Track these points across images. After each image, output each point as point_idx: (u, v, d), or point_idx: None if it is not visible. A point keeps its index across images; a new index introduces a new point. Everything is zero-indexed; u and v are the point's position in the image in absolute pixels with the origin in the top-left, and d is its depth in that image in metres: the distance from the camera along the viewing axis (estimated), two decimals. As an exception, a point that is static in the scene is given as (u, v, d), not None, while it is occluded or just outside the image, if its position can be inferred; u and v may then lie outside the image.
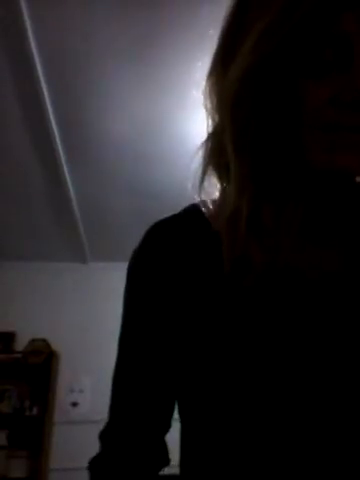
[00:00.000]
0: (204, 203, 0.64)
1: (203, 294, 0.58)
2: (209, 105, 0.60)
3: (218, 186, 0.63)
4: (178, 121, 2.74)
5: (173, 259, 0.62)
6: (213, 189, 0.64)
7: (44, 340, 3.97)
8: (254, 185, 0.57)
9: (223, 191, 0.62)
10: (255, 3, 0.55)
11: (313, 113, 0.52)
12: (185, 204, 0.67)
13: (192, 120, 2.64)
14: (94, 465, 0.64)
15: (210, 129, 0.61)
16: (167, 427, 0.65)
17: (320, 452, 0.52)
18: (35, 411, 3.80)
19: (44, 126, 2.81)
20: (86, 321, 4.09)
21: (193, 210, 0.65)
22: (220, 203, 0.62)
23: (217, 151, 0.60)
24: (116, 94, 2.66)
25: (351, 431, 0.52)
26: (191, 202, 0.66)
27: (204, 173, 0.61)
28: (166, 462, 0.64)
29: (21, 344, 3.98)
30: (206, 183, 0.62)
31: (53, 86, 2.58)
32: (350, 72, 0.50)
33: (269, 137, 0.56)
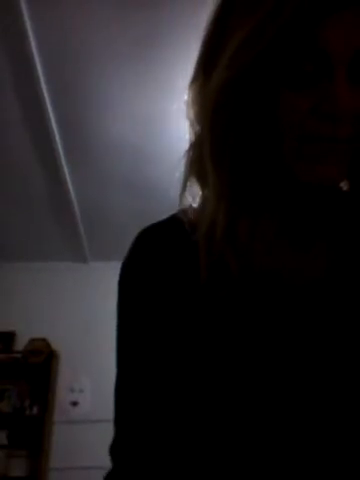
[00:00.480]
0: (185, 212, 0.64)
1: (187, 302, 0.59)
2: (191, 115, 0.61)
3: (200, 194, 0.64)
4: (178, 121, 2.74)
5: (160, 267, 0.62)
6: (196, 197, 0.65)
7: (44, 340, 3.97)
8: (231, 195, 0.58)
9: (204, 200, 0.63)
10: (237, 11, 0.55)
11: (293, 124, 0.53)
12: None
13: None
14: None
15: (192, 139, 0.62)
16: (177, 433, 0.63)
17: (310, 456, 0.53)
18: (35, 411, 3.80)
19: (44, 126, 2.81)
20: (86, 321, 4.09)
21: (178, 216, 0.65)
22: (200, 211, 0.63)
23: (198, 161, 0.61)
24: (116, 94, 2.66)
25: (333, 431, 0.53)
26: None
27: (185, 183, 0.62)
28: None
29: (21, 344, 3.98)
30: (189, 192, 0.63)
31: (53, 86, 2.58)
32: (329, 83, 0.50)
33: (248, 147, 0.57)
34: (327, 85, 0.51)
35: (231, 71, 0.53)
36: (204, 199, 0.63)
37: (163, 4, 2.21)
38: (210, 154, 0.57)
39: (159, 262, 0.63)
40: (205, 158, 0.58)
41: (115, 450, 0.63)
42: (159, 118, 2.77)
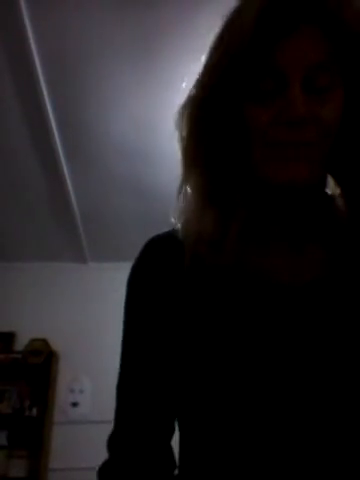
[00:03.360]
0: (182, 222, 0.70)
1: (187, 304, 0.63)
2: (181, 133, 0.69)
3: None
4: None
5: (164, 274, 0.67)
6: None
7: (44, 340, 3.97)
8: (208, 199, 0.65)
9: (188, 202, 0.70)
10: (216, 42, 0.63)
11: (260, 133, 0.60)
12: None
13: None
14: (103, 473, 0.64)
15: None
16: (172, 431, 0.66)
17: (305, 452, 0.54)
18: (35, 411, 3.79)
19: (44, 126, 2.81)
20: (86, 321, 4.09)
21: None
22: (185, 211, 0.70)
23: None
24: (116, 94, 2.66)
25: (328, 428, 0.54)
26: None
27: (179, 194, 0.69)
28: (174, 466, 0.65)
29: (21, 344, 3.98)
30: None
31: (53, 86, 2.58)
32: (286, 96, 0.58)
33: (222, 156, 0.64)
34: (285, 97, 0.58)
35: (203, 91, 0.63)
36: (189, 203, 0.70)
37: (163, 4, 2.21)
38: (190, 161, 0.66)
39: (163, 268, 0.67)
40: (186, 167, 0.67)
41: (112, 442, 0.66)
42: (159, 119, 2.77)
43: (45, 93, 2.60)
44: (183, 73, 2.59)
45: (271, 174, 0.60)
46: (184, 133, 0.67)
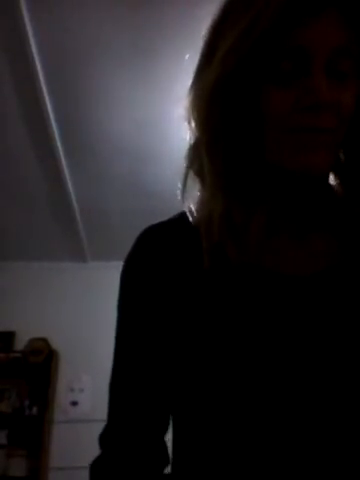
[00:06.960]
0: (190, 209, 0.67)
1: (189, 295, 0.61)
2: (190, 118, 0.65)
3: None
4: (178, 121, 2.73)
5: (162, 264, 0.65)
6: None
7: (44, 339, 3.97)
8: (226, 187, 0.62)
9: (202, 192, 0.67)
10: (228, 20, 0.60)
11: (279, 118, 0.57)
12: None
13: (192, 120, 2.63)
14: (95, 468, 0.64)
15: (192, 140, 0.66)
16: (166, 427, 0.66)
17: (308, 454, 0.53)
18: (35, 410, 3.80)
19: (44, 126, 2.81)
20: (86, 320, 4.09)
21: (182, 216, 0.68)
22: (199, 203, 0.67)
23: (197, 158, 0.65)
24: (116, 94, 2.67)
25: (332, 425, 0.54)
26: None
27: (185, 180, 0.66)
28: (167, 462, 0.64)
29: (21, 343, 3.98)
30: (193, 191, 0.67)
31: (53, 86, 2.58)
32: (309, 78, 0.55)
33: (238, 142, 0.61)
34: (307, 80, 0.55)
35: (218, 75, 0.59)
36: (203, 192, 0.66)
37: (163, 4, 2.21)
38: (205, 148, 0.62)
39: (160, 258, 0.65)
40: (201, 152, 0.63)
41: (104, 438, 0.66)
42: (159, 118, 2.77)
43: (45, 93, 2.60)
44: (184, 73, 2.59)
45: (287, 161, 0.58)
46: (195, 118, 0.64)
